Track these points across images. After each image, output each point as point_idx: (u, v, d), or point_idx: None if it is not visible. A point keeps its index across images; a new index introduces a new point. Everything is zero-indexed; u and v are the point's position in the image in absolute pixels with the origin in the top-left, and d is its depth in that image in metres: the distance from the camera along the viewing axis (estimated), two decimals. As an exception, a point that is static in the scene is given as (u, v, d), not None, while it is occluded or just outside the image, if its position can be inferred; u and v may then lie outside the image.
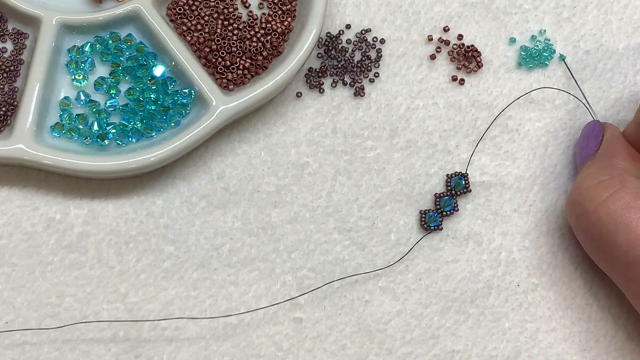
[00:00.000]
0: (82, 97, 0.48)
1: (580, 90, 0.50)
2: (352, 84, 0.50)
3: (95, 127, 0.47)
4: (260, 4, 0.50)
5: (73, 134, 0.47)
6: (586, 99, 0.50)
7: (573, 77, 0.50)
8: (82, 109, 0.48)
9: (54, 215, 0.47)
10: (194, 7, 0.49)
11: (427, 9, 0.51)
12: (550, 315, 0.48)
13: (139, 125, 0.47)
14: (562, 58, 0.50)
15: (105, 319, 0.46)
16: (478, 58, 0.51)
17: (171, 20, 0.49)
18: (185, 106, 0.48)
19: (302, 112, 0.50)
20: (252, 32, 0.49)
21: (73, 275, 0.46)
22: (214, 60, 0.49)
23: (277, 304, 0.46)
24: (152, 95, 0.48)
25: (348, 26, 0.51)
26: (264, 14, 0.50)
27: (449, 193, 0.48)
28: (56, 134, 0.47)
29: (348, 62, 0.50)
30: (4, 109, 0.47)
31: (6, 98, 0.47)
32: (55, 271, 0.46)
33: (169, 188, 0.48)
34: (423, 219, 0.48)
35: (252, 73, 0.49)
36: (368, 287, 0.47)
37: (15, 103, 0.47)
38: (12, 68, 0.48)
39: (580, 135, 0.48)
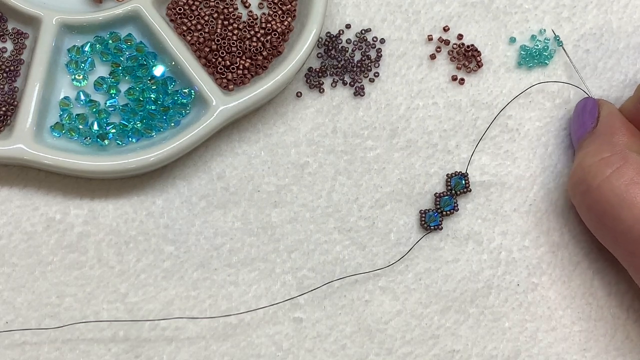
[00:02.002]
0: (82, 97, 0.48)
1: (573, 65, 0.49)
2: (352, 83, 0.50)
3: (95, 127, 0.47)
4: (260, 4, 0.50)
5: (73, 134, 0.47)
6: (579, 74, 0.50)
7: (567, 55, 0.50)
8: (82, 109, 0.48)
9: (54, 215, 0.47)
10: (194, 7, 0.49)
11: (427, 8, 0.51)
12: (550, 314, 0.48)
13: (139, 125, 0.47)
14: (559, 43, 0.50)
15: (105, 319, 0.46)
16: (478, 58, 0.51)
17: (171, 20, 0.49)
18: (185, 106, 0.48)
19: (302, 112, 0.50)
20: (252, 32, 0.49)
21: (73, 275, 0.46)
22: (214, 60, 0.49)
23: (277, 303, 0.46)
24: (152, 95, 0.48)
25: (348, 26, 0.51)
26: (264, 14, 0.50)
27: (449, 193, 0.48)
28: (56, 134, 0.47)
29: (348, 62, 0.50)
30: (4, 109, 0.47)
31: (6, 98, 0.47)
32: (55, 271, 0.46)
33: (169, 188, 0.48)
34: (423, 219, 0.48)
35: (252, 73, 0.49)
36: (368, 287, 0.47)
37: (15, 103, 0.47)
38: (12, 68, 0.48)
39: (574, 113, 0.49)
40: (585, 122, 0.47)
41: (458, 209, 0.48)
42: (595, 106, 0.47)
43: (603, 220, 0.43)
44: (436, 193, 0.48)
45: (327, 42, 0.51)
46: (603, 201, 0.43)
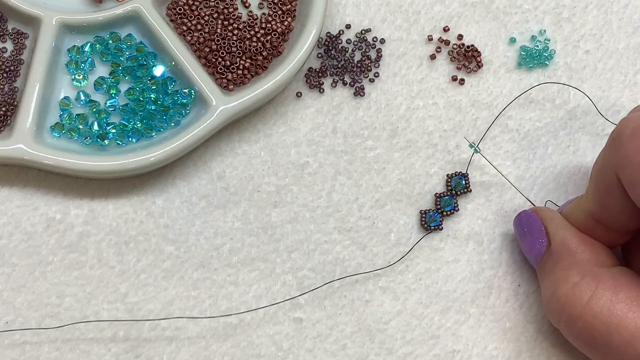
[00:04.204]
0: (82, 97, 0.48)
1: (504, 177, 0.49)
2: (352, 84, 0.50)
3: (95, 127, 0.47)
4: (260, 4, 0.50)
5: (73, 134, 0.47)
6: (511, 183, 0.49)
7: (486, 158, 0.49)
8: (82, 109, 0.48)
9: (54, 215, 0.47)
10: (194, 7, 0.49)
11: (427, 9, 0.51)
12: (551, 315, 0.47)
13: (139, 125, 0.47)
14: (476, 150, 0.48)
15: (105, 319, 0.46)
16: (478, 58, 0.51)
17: (171, 20, 0.49)
18: (185, 106, 0.48)
19: (302, 112, 0.50)
20: (252, 32, 0.49)
21: (73, 275, 0.46)
22: (214, 60, 0.49)
23: (277, 303, 0.46)
24: (152, 95, 0.48)
25: (348, 26, 0.51)
26: (264, 14, 0.50)
27: (449, 193, 0.48)
28: (56, 134, 0.47)
29: (348, 62, 0.50)
30: (4, 109, 0.47)
31: (6, 98, 0.47)
32: (55, 271, 0.46)
33: (169, 188, 0.48)
34: (423, 219, 0.48)
35: (252, 73, 0.49)
36: (368, 287, 0.47)
37: (15, 103, 0.47)
38: (12, 68, 0.48)
39: (518, 231, 0.47)
40: (535, 241, 0.45)
41: (458, 209, 0.48)
42: (539, 221, 0.45)
43: (595, 346, 0.41)
44: (436, 193, 0.48)
45: (327, 42, 0.51)
46: (590, 329, 0.40)
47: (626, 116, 0.41)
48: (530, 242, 0.45)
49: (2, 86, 0.47)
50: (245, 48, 0.49)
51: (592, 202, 0.43)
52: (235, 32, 0.49)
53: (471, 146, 0.48)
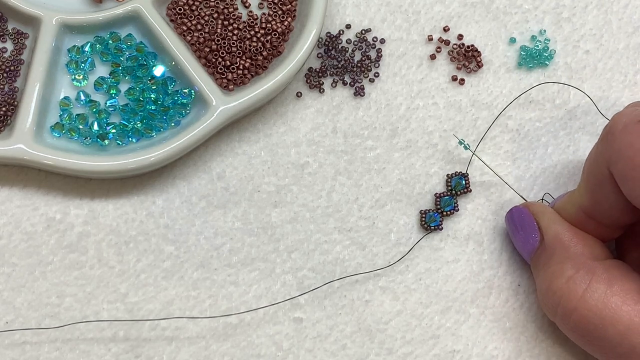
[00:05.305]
0: (82, 97, 0.48)
1: (497, 175, 0.49)
2: (352, 84, 0.50)
3: (95, 127, 0.47)
4: (260, 4, 0.50)
5: (73, 134, 0.47)
6: (503, 179, 0.49)
7: (482, 161, 0.49)
8: (82, 109, 0.48)
9: (54, 215, 0.47)
10: (194, 7, 0.49)
11: (427, 9, 0.51)
12: (551, 315, 0.47)
13: (139, 125, 0.47)
14: (465, 146, 0.49)
15: (105, 319, 0.46)
16: (478, 58, 0.51)
17: (171, 20, 0.49)
18: (185, 106, 0.48)
19: (302, 112, 0.50)
20: (252, 32, 0.49)
21: (73, 275, 0.46)
22: (214, 60, 0.49)
23: (277, 303, 0.46)
24: (152, 95, 0.48)
25: (348, 26, 0.51)
26: (264, 14, 0.50)
27: (449, 193, 0.48)
28: (56, 134, 0.47)
29: (348, 62, 0.50)
30: (4, 109, 0.47)
31: (6, 98, 0.47)
32: (55, 271, 0.46)
33: (169, 188, 0.48)
34: (423, 219, 0.48)
35: (252, 73, 0.49)
36: (368, 287, 0.47)
37: (15, 103, 0.47)
38: (12, 68, 0.48)
39: (510, 225, 0.47)
40: (528, 236, 0.45)
41: (458, 209, 0.48)
42: (531, 216, 0.45)
43: (590, 339, 0.41)
44: (436, 193, 0.48)
45: (327, 42, 0.51)
46: (585, 322, 0.41)
47: (619, 111, 0.41)
48: (523, 237, 0.45)
49: (2, 86, 0.47)
50: (245, 48, 0.49)
51: (584, 197, 0.43)
52: (235, 32, 0.49)
53: (461, 143, 0.48)
